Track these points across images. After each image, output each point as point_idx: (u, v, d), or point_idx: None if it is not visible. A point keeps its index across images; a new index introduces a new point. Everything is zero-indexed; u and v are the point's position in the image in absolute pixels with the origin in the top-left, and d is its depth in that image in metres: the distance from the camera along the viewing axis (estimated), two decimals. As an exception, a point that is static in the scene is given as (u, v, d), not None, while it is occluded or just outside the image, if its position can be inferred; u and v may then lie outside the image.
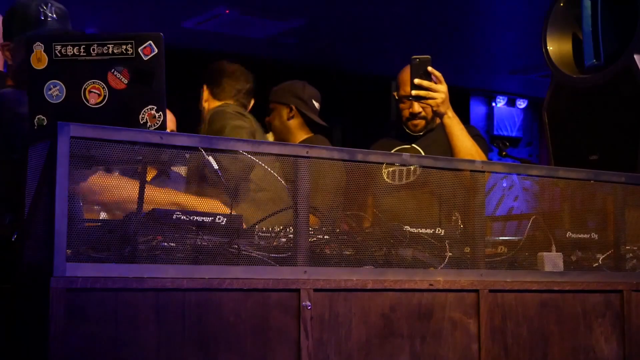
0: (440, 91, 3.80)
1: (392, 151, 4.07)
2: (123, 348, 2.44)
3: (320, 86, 5.05)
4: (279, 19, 8.52)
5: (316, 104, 4.89)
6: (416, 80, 3.77)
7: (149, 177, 4.22)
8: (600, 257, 3.39)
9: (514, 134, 11.37)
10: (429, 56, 3.80)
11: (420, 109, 4.14)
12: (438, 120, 4.16)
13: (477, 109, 11.21)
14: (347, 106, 9.77)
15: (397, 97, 4.27)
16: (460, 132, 3.84)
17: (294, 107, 4.86)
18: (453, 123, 3.83)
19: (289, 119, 4.88)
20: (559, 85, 4.55)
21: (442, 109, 3.81)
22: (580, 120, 4.41)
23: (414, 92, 3.78)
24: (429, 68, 3.77)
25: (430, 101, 3.80)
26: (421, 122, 4.18)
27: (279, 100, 4.96)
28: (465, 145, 3.81)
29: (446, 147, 3.94)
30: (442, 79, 3.81)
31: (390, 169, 3.44)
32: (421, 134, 4.20)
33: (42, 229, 2.44)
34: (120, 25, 8.61)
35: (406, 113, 4.21)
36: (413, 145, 4.15)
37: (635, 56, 4.08)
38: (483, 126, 11.13)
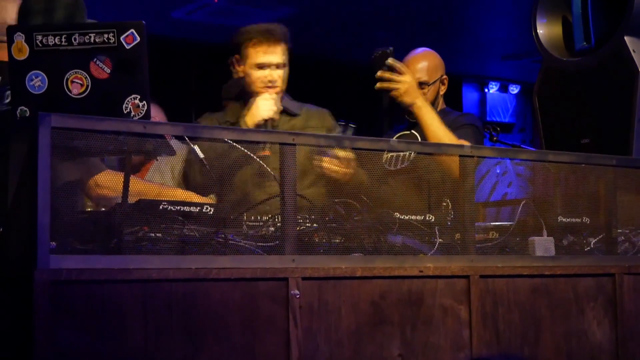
0: (402, 81, 3.87)
1: (394, 137, 4.06)
2: (110, 340, 2.42)
3: (311, 75, 5.03)
4: (268, 8, 8.48)
5: None
6: (378, 74, 3.88)
7: (145, 171, 4.19)
8: (592, 240, 3.38)
9: (506, 120, 11.33)
10: (390, 48, 3.90)
11: None
12: (442, 106, 4.15)
13: (470, 95, 11.18)
14: (338, 95, 9.73)
15: None
16: (431, 120, 3.85)
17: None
18: (422, 112, 3.87)
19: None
20: (549, 69, 4.52)
21: (406, 99, 3.88)
22: (571, 104, 4.38)
23: (377, 85, 3.88)
24: (389, 60, 3.85)
25: (394, 92, 3.88)
26: None
27: (229, 96, 4.92)
28: (437, 135, 3.80)
29: None
30: (404, 70, 3.88)
31: (389, 155, 3.42)
32: None
33: (26, 222, 2.41)
34: (108, 15, 8.56)
35: None
36: (412, 131, 4.13)
37: (626, 38, 4.06)
38: (476, 112, 11.09)
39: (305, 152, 3.16)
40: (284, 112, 3.82)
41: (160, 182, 3.48)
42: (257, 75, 3.79)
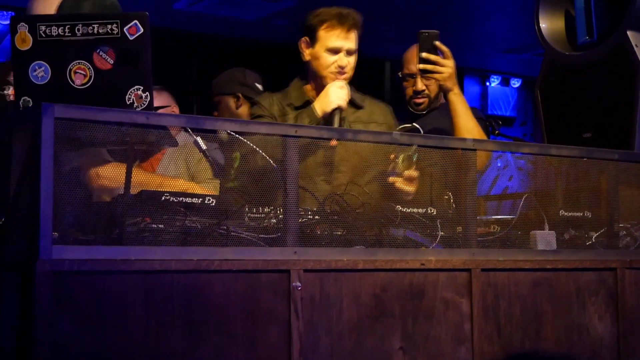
0: (447, 66, 3.79)
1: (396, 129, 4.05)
2: (111, 332, 2.42)
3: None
4: (270, 0, 8.47)
5: (260, 87, 4.85)
6: (423, 54, 3.77)
7: (155, 162, 4.19)
8: (594, 235, 3.37)
9: (508, 114, 11.33)
10: (437, 31, 3.80)
11: (424, 87, 4.14)
12: (442, 100, 4.15)
13: (471, 89, 11.17)
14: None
15: (400, 76, 4.25)
16: (465, 110, 3.83)
17: (240, 95, 4.81)
18: (458, 100, 3.83)
19: (237, 107, 4.83)
20: (551, 63, 4.52)
21: (448, 84, 3.81)
22: (573, 98, 4.38)
23: (420, 66, 3.79)
24: (437, 42, 3.77)
25: (436, 75, 3.81)
26: (425, 101, 4.17)
27: (224, 91, 4.91)
28: (468, 124, 3.79)
29: (447, 127, 3.93)
30: (449, 54, 3.80)
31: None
32: (424, 112, 4.19)
33: (28, 212, 2.41)
34: (110, 7, 8.53)
35: (409, 91, 4.21)
36: (414, 124, 4.13)
37: (628, 32, 4.05)
38: (477, 106, 11.09)
39: (370, 148, 3.15)
40: (350, 102, 3.73)
41: (175, 174, 3.47)
42: (329, 59, 3.70)
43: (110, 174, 2.83)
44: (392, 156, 3.19)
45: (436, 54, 3.78)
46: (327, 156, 3.45)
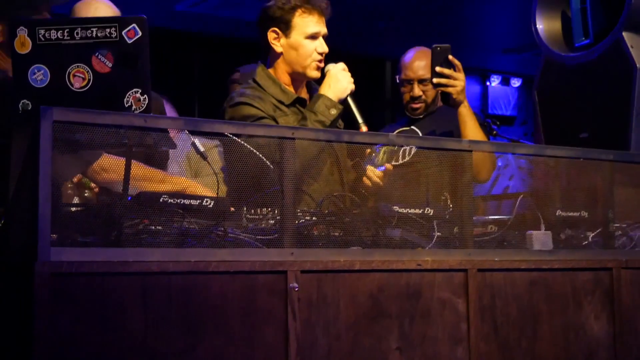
0: (459, 79, 3.86)
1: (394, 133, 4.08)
2: (109, 333, 2.44)
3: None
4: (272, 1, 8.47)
5: None
6: (437, 68, 3.85)
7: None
8: (590, 235, 3.39)
9: (508, 113, 11.35)
10: (449, 45, 3.86)
11: (421, 93, 4.18)
12: (439, 104, 4.18)
13: (472, 88, 11.18)
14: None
15: (398, 81, 4.29)
16: (473, 123, 3.89)
17: None
18: (468, 113, 3.90)
19: None
20: (549, 64, 4.55)
21: (461, 97, 3.89)
22: (571, 99, 4.41)
23: (435, 80, 3.86)
24: (450, 56, 3.82)
25: (450, 89, 3.87)
26: (421, 106, 4.21)
27: None
28: (477, 137, 3.83)
29: (443, 130, 3.98)
30: (461, 67, 3.85)
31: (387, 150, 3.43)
32: (421, 117, 4.22)
33: (27, 214, 2.43)
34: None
35: (407, 96, 4.24)
36: (412, 127, 4.16)
37: (624, 33, 4.08)
38: (478, 105, 11.10)
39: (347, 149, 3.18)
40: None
41: (178, 172, 3.48)
42: (310, 47, 3.59)
43: (114, 167, 2.84)
44: (368, 150, 3.22)
45: (449, 67, 3.83)
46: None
